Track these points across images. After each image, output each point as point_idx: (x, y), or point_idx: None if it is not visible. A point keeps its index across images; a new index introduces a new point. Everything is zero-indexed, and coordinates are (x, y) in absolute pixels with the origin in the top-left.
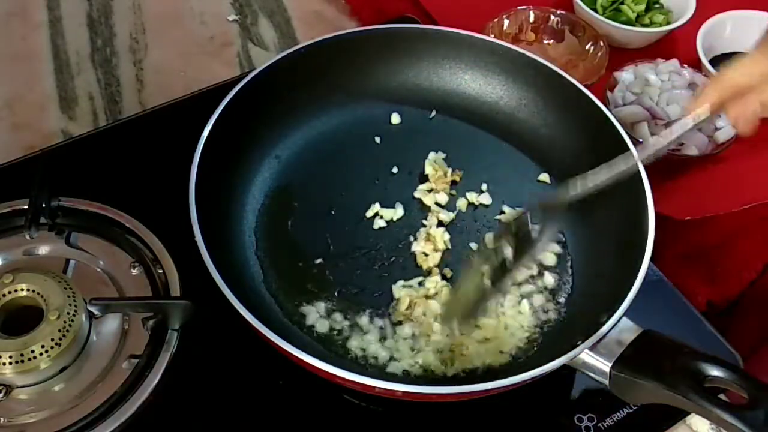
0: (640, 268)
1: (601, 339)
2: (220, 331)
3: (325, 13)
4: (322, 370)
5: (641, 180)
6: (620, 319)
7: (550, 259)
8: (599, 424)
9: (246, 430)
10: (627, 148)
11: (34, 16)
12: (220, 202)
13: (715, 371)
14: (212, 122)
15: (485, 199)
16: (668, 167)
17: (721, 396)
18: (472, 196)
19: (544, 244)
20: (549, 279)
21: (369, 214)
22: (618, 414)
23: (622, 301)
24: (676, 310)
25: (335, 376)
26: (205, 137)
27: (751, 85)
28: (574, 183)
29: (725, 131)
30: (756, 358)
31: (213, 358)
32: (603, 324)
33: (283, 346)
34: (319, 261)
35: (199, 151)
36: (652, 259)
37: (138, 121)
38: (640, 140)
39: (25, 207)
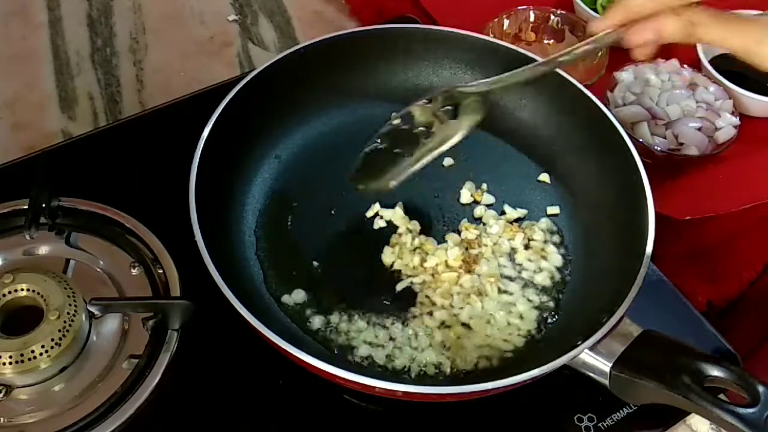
0: (640, 268)
1: (601, 339)
2: (220, 331)
3: (325, 13)
4: (322, 370)
5: (641, 180)
6: (620, 319)
7: (551, 260)
8: (599, 424)
9: (246, 430)
10: (627, 148)
11: (34, 16)
12: (220, 202)
13: (715, 371)
14: (212, 122)
15: (487, 199)
16: (668, 167)
17: (721, 396)
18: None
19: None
20: (548, 278)
21: (369, 214)
22: (618, 414)
23: (622, 301)
24: (676, 310)
25: (335, 376)
26: (205, 137)
27: (654, 12)
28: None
29: (725, 131)
30: (756, 358)
31: (213, 358)
32: (603, 324)
33: (284, 347)
34: (318, 261)
35: (199, 151)
36: (652, 259)
37: (138, 121)
38: (640, 140)
39: (25, 207)
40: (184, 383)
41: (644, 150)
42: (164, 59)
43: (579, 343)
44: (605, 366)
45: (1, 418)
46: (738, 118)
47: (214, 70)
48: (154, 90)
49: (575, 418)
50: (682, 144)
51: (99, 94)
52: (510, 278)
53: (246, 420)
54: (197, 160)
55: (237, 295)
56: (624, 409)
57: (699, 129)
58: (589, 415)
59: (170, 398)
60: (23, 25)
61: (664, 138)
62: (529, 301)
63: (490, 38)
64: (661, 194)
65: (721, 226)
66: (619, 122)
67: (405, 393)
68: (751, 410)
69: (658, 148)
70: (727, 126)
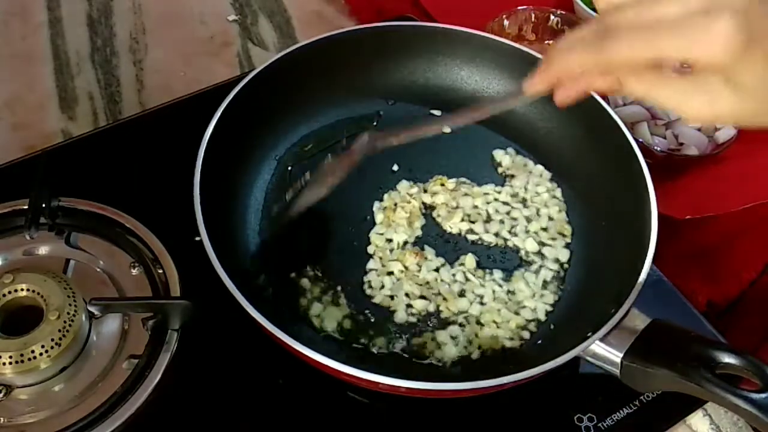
0: (646, 257)
1: (611, 330)
2: (220, 331)
3: (324, 13)
4: (328, 366)
5: (642, 173)
6: (629, 309)
7: (559, 254)
8: (599, 424)
9: (247, 430)
10: (624, 136)
11: (34, 16)
12: (223, 205)
13: (726, 358)
14: (213, 124)
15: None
16: (668, 167)
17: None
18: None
19: None
20: (555, 272)
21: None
22: (618, 414)
23: (630, 291)
24: (676, 310)
25: (340, 372)
26: (206, 139)
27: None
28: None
29: (725, 131)
30: (756, 358)
31: (213, 358)
32: (613, 315)
33: (296, 347)
34: (322, 261)
35: (202, 153)
36: (652, 259)
37: (138, 121)
38: (640, 140)
39: (25, 207)
40: (184, 383)
41: (644, 150)
42: (164, 59)
43: (589, 335)
44: (616, 357)
45: (1, 418)
46: None
47: (214, 70)
48: (154, 90)
49: (575, 418)
50: (682, 144)
51: (99, 94)
52: (518, 273)
53: (247, 419)
54: (200, 162)
55: (246, 296)
56: (624, 409)
57: (699, 129)
58: (589, 415)
59: (170, 398)
60: (23, 25)
61: (664, 138)
62: (536, 296)
63: (484, 33)
64: (661, 194)
65: (721, 226)
66: None
67: (408, 389)
68: (763, 395)
69: (658, 148)
70: (727, 126)
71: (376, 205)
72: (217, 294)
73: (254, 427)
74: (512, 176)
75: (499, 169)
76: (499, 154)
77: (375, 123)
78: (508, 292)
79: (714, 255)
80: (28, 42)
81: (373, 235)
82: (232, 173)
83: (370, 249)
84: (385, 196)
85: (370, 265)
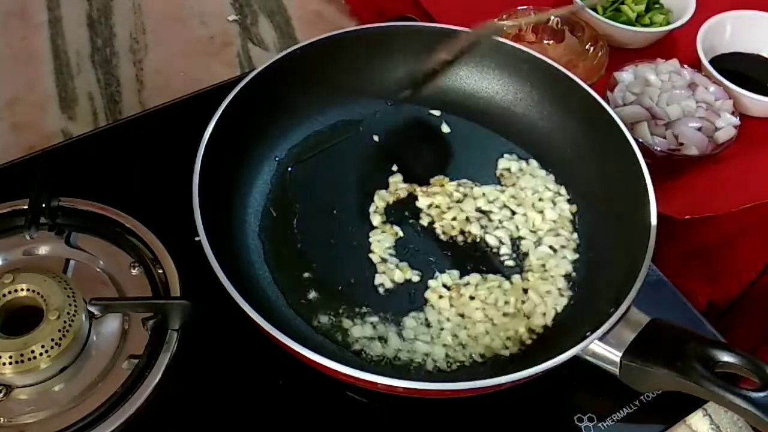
0: (645, 256)
1: (610, 329)
2: (220, 331)
3: (325, 13)
4: (327, 367)
5: (642, 174)
6: (628, 308)
7: (565, 255)
8: (599, 424)
9: (247, 430)
10: (624, 136)
11: (34, 16)
12: (222, 205)
13: (725, 357)
14: (213, 124)
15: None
16: (668, 167)
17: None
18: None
19: None
20: (561, 275)
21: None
22: (618, 414)
23: (630, 290)
24: (676, 310)
25: (339, 372)
26: (206, 139)
27: None
28: None
29: (725, 131)
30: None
31: (213, 358)
32: (611, 314)
33: (295, 348)
34: (322, 261)
35: (202, 153)
36: (652, 259)
37: (138, 121)
38: (640, 140)
39: (25, 207)
40: (184, 383)
41: (644, 150)
42: (164, 59)
43: (588, 334)
44: (615, 356)
45: (1, 418)
46: (738, 118)
47: (214, 70)
48: (154, 90)
49: (575, 418)
50: (682, 144)
51: (99, 94)
52: (520, 275)
53: (247, 419)
54: (199, 162)
55: (246, 299)
56: (624, 409)
57: (699, 129)
58: (589, 415)
59: (170, 398)
60: (23, 26)
61: (664, 138)
62: (535, 293)
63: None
64: (661, 194)
65: (721, 226)
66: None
67: (405, 389)
68: (762, 394)
69: (658, 148)
70: (727, 126)
71: (372, 207)
72: (217, 294)
73: (254, 427)
74: (516, 178)
75: (501, 172)
76: (503, 162)
77: (360, 126)
78: (512, 295)
79: (714, 255)
80: (28, 42)
81: (372, 241)
82: (232, 173)
83: (374, 258)
84: (381, 195)
85: (376, 270)
